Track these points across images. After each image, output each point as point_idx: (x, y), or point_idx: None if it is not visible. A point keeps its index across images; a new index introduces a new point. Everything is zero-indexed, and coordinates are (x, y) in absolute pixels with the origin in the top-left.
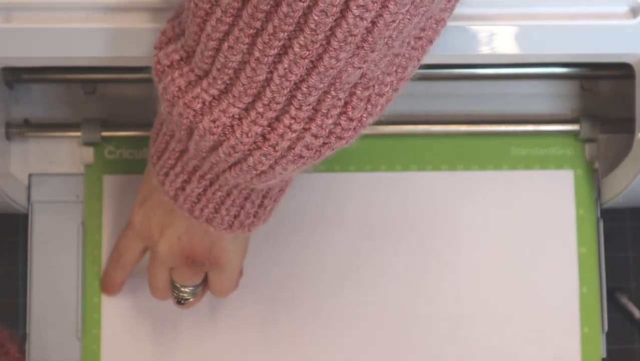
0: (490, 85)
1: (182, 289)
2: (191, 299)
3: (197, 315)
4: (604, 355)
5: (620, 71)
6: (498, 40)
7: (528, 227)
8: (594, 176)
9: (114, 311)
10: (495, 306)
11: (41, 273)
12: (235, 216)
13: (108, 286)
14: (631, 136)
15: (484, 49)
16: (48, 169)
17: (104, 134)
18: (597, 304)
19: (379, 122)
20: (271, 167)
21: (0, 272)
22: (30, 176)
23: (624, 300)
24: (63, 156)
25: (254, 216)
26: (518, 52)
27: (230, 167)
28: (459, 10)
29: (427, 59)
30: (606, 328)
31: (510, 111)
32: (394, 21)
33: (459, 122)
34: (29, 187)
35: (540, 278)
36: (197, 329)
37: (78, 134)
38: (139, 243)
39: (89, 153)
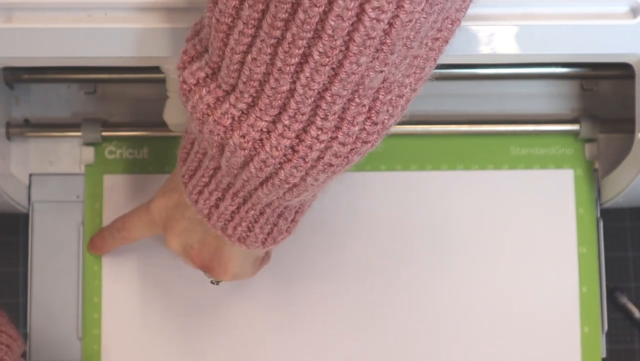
0: (490, 85)
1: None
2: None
3: (199, 316)
4: (604, 355)
5: (620, 70)
6: (498, 40)
7: (528, 227)
8: (594, 176)
9: (114, 311)
10: (494, 305)
11: (41, 273)
12: (269, 233)
13: (97, 247)
14: (631, 136)
15: (484, 49)
16: (48, 169)
17: (104, 134)
18: (597, 304)
19: None
20: (302, 178)
21: (0, 272)
22: (30, 176)
23: (624, 300)
24: (63, 156)
25: (286, 231)
26: (518, 52)
27: (262, 184)
28: None
29: None
30: (606, 328)
31: (510, 111)
32: (410, 21)
33: (459, 122)
34: (29, 187)
35: (540, 278)
36: (198, 330)
37: (78, 134)
38: (149, 229)
39: (89, 153)
